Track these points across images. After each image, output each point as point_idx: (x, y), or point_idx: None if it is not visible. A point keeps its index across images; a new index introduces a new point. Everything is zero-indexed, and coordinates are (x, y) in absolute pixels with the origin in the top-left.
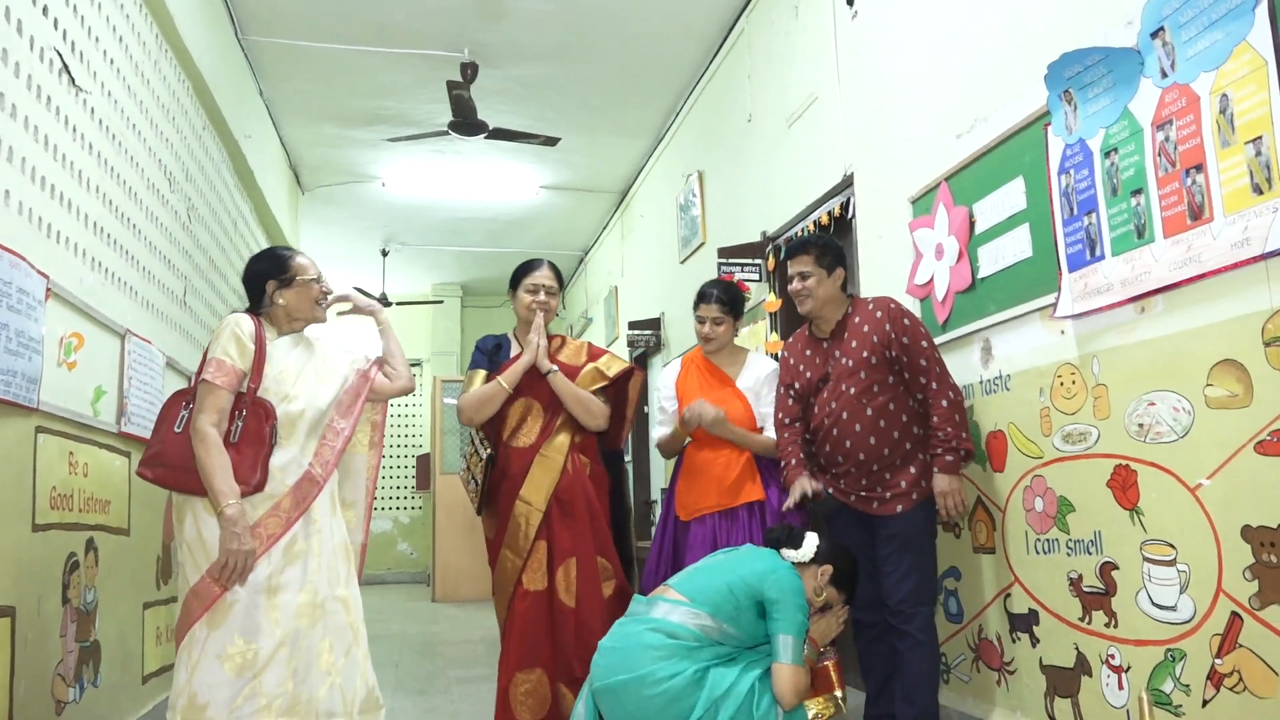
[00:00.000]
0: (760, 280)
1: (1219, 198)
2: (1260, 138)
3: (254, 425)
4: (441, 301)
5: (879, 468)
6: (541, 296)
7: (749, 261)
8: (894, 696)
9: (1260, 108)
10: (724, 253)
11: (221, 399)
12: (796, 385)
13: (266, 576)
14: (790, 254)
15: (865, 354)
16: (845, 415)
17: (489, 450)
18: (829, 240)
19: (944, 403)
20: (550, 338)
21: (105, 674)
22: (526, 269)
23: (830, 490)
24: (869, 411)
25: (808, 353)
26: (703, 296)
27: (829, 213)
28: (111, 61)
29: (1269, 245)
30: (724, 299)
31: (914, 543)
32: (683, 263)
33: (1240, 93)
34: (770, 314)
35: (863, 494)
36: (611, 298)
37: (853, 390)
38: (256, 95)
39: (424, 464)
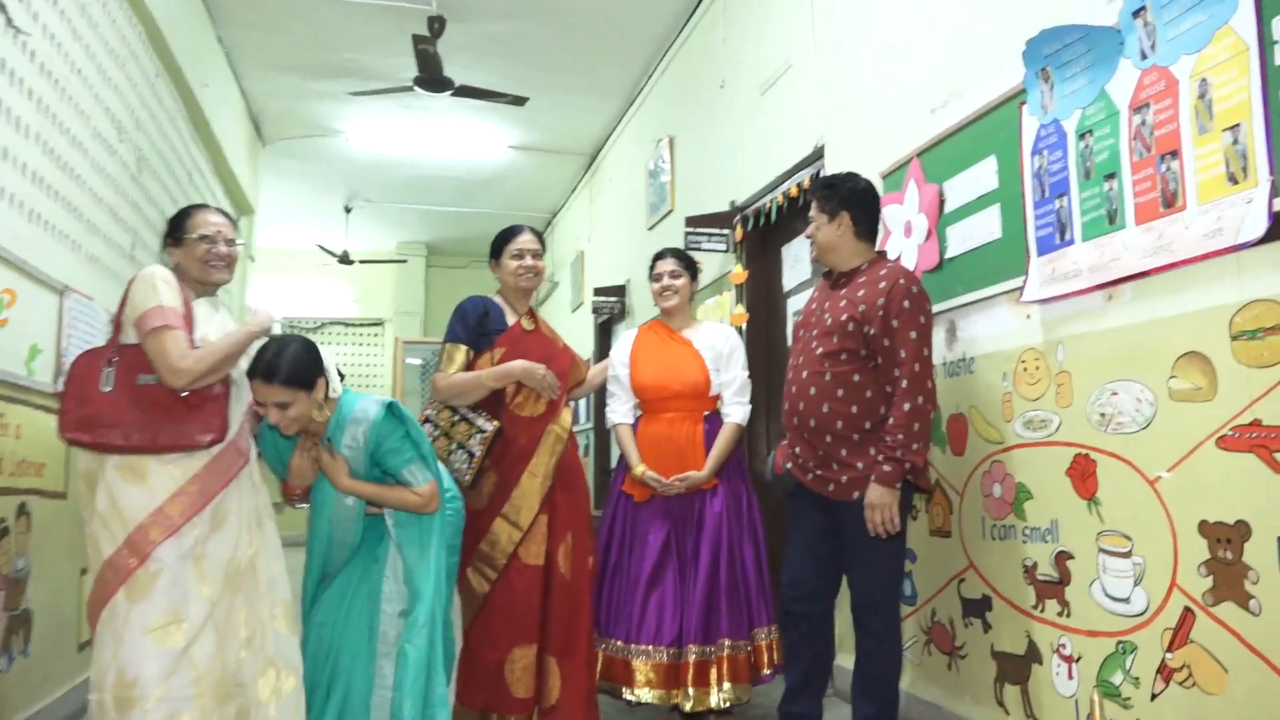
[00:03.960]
0: (727, 250)
1: (1193, 186)
2: (1238, 125)
3: None
4: (405, 261)
5: (832, 440)
6: (528, 261)
7: (716, 231)
8: (816, 692)
9: (1240, 94)
10: (691, 222)
11: (182, 340)
12: (794, 326)
13: (194, 543)
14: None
15: (845, 317)
16: (805, 374)
17: (496, 424)
18: (840, 180)
19: (907, 405)
20: (532, 310)
21: (37, 643)
22: (509, 234)
23: (789, 465)
24: (828, 377)
25: (816, 294)
26: (657, 256)
27: (799, 184)
28: (54, 2)
29: (1240, 237)
30: (678, 254)
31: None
32: (650, 229)
33: (1220, 78)
34: (736, 286)
35: (818, 472)
36: (578, 263)
37: (820, 350)
38: (214, 42)
39: None
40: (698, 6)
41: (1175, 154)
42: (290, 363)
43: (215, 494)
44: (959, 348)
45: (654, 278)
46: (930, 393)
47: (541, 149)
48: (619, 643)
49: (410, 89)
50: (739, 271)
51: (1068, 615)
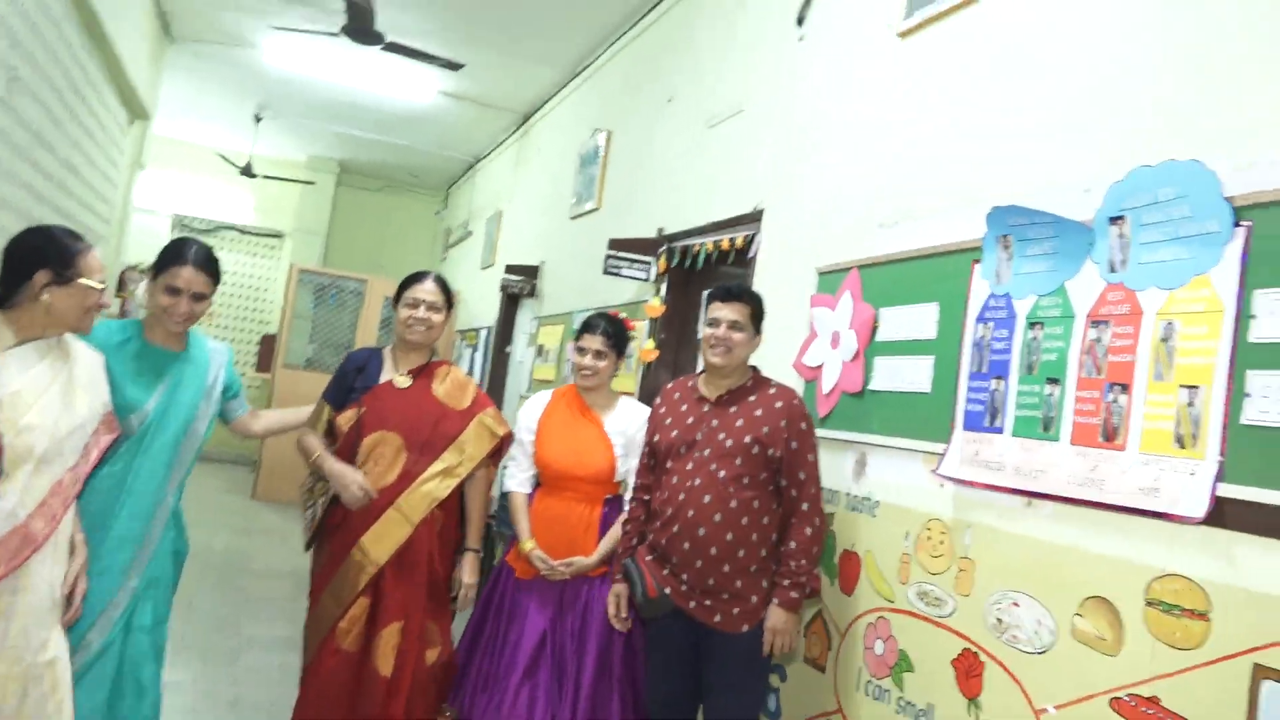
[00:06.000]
0: (648, 280)
1: (1137, 430)
2: (1197, 388)
3: None
4: (313, 183)
5: (730, 570)
6: (421, 312)
7: (640, 258)
8: None
9: (1205, 355)
10: (616, 245)
11: None
12: (658, 439)
13: None
14: (723, 296)
15: (749, 439)
16: (707, 499)
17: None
18: (758, 297)
19: (808, 530)
20: (434, 365)
21: None
22: (410, 280)
23: (668, 590)
24: (734, 503)
25: (683, 408)
26: (587, 326)
27: (731, 239)
28: None
29: (1178, 508)
30: (609, 332)
31: (755, 664)
32: (573, 219)
33: (1188, 329)
34: (651, 319)
35: (706, 602)
36: (495, 220)
37: (723, 474)
38: None
39: (268, 345)
40: (655, 5)
41: (1126, 389)
42: None
43: None
44: (865, 485)
45: (578, 349)
46: (824, 514)
47: (472, 99)
48: None
49: (335, 35)
50: (656, 304)
51: None
